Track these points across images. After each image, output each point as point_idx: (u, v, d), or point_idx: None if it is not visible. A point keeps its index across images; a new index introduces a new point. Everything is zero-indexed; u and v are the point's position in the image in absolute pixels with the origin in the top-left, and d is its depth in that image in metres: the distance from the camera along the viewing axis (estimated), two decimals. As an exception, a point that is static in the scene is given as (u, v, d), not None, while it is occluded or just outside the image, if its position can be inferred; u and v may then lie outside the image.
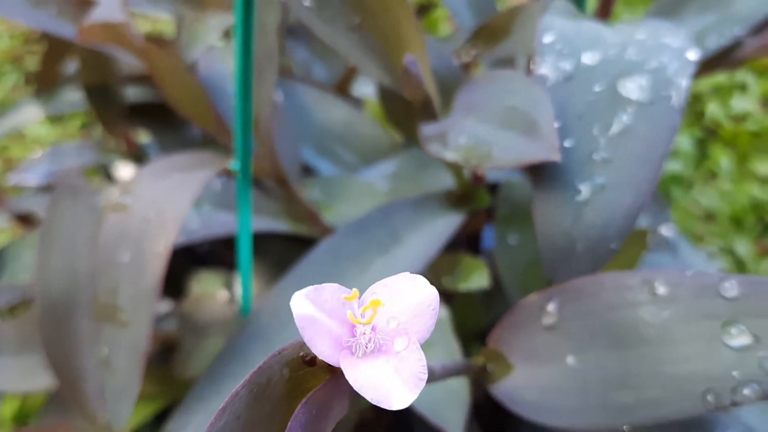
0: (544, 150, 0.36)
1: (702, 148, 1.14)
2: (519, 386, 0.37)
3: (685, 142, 1.13)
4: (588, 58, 0.40)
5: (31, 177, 0.71)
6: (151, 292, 0.42)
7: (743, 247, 1.00)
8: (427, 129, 0.45)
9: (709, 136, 1.15)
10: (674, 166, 1.09)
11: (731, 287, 0.32)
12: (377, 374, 0.21)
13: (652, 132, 0.37)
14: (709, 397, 0.31)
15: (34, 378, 0.57)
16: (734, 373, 0.31)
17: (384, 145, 0.65)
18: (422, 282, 0.23)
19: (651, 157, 0.37)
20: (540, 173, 0.38)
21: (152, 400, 0.58)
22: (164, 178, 0.46)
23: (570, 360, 0.35)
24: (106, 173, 0.73)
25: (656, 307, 0.33)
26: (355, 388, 0.20)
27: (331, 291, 0.22)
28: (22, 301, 0.64)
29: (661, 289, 0.33)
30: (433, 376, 0.31)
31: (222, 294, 0.62)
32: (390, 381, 0.21)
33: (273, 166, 0.52)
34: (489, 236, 0.65)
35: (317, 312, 0.21)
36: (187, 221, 0.53)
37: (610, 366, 0.34)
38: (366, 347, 0.22)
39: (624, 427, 0.33)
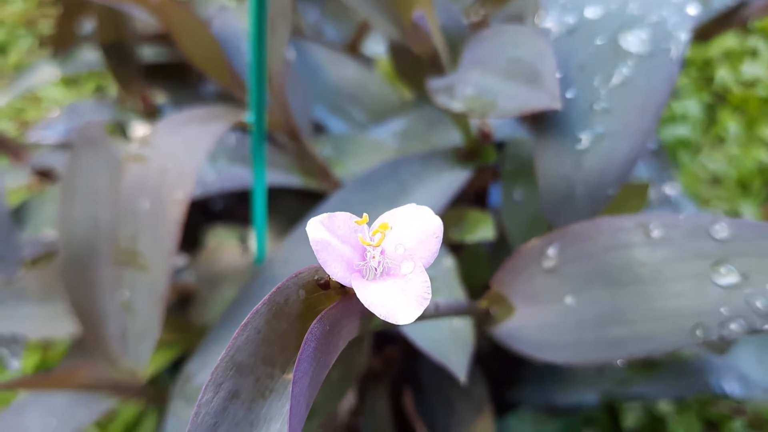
0: (546, 99, 0.37)
1: (711, 113, 1.14)
2: (520, 326, 0.39)
3: (693, 107, 1.13)
4: (591, 12, 0.41)
5: (49, 134, 0.73)
6: (170, 238, 0.44)
7: (749, 210, 1.01)
8: (435, 82, 0.46)
9: (718, 101, 1.16)
10: (682, 131, 1.10)
11: (722, 229, 0.33)
12: (386, 293, 0.23)
13: (650, 83, 0.39)
14: (698, 332, 0.33)
15: (57, 324, 0.59)
16: (722, 309, 0.32)
17: (394, 104, 0.66)
18: (427, 212, 0.25)
19: (649, 108, 0.38)
20: (542, 122, 0.40)
21: (170, 347, 0.61)
22: (181, 130, 0.48)
23: (568, 300, 0.37)
24: (122, 132, 0.74)
25: (650, 248, 0.34)
26: (366, 305, 0.22)
27: (343, 218, 0.24)
28: (44, 254, 0.67)
29: (656, 231, 0.35)
30: (437, 311, 0.33)
31: (236, 246, 0.64)
32: (397, 299, 0.22)
33: (286, 120, 0.53)
34: (496, 194, 0.66)
35: (330, 237, 0.23)
36: (204, 174, 0.55)
37: (606, 304, 0.35)
38: (375, 270, 0.24)
39: (618, 360, 0.35)
